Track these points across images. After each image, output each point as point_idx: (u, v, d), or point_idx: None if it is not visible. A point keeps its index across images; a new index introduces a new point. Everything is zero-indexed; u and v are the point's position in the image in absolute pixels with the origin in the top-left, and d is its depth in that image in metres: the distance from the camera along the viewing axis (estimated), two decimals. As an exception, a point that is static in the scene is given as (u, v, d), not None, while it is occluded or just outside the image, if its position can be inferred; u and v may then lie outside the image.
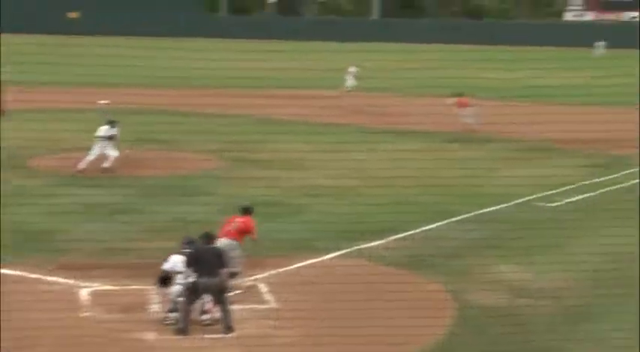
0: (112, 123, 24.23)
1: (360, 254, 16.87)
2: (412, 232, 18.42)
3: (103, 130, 24.08)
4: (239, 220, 14.71)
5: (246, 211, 14.89)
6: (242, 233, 14.57)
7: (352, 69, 45.28)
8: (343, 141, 24.42)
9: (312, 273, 15.49)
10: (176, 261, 13.28)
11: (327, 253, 16.79)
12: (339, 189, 22.10)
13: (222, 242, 14.01)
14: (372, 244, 17.55)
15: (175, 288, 13.12)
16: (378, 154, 25.17)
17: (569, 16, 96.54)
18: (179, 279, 13.11)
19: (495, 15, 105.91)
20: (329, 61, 44.32)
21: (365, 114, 35.94)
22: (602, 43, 74.26)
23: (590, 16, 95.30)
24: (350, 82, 44.99)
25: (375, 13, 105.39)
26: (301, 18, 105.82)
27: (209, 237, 13.35)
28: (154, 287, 13.69)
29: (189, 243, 13.48)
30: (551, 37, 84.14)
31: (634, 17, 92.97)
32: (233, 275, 13.85)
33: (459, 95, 32.00)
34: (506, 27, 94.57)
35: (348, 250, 17.06)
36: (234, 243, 14.36)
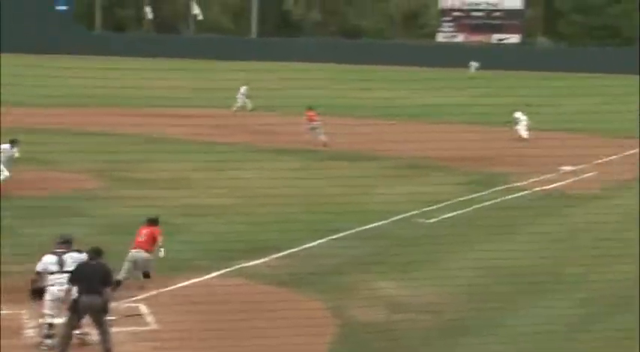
0: (12, 143, 23.54)
1: (241, 273, 16.72)
2: (293, 250, 18.38)
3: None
4: (146, 231, 15.74)
5: (153, 222, 15.92)
6: (152, 243, 15.65)
7: (243, 88, 45.36)
8: (228, 159, 24.23)
9: (194, 293, 15.24)
10: (47, 262, 12.73)
11: (209, 273, 16.56)
12: (221, 208, 21.89)
13: (134, 254, 15.44)
14: (254, 263, 17.42)
15: (47, 303, 12.56)
16: (261, 173, 25.11)
17: (440, 38, 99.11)
18: (50, 281, 12.57)
19: (372, 35, 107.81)
20: (211, 81, 44.04)
21: (250, 132, 35.84)
22: (475, 64, 76.49)
23: (460, 38, 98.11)
24: (241, 101, 45.11)
25: (254, 32, 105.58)
26: (180, 36, 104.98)
27: (96, 252, 12.76)
28: (27, 310, 13.14)
29: (65, 242, 12.97)
30: (426, 58, 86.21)
31: (501, 39, 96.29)
32: (147, 275, 15.38)
33: (309, 108, 32.97)
34: (383, 47, 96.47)
35: (230, 269, 16.88)
36: (146, 254, 15.55)
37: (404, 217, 22.14)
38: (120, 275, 15.00)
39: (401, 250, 18.62)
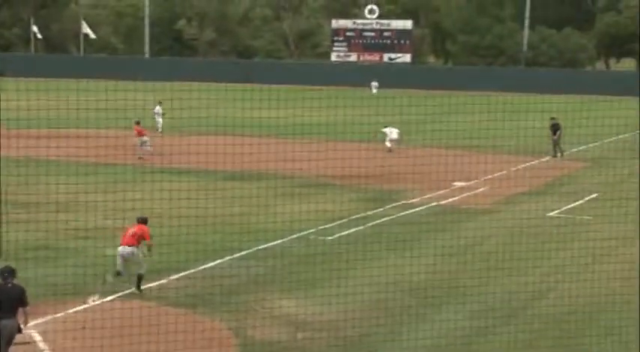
0: None
1: (139, 295, 16.41)
2: (192, 271, 18.17)
3: None
4: (134, 229, 17.19)
5: (142, 221, 17.50)
6: (139, 239, 17.08)
7: (157, 108, 44.94)
8: (120, 180, 23.80)
9: (89, 318, 14.86)
10: None
11: (105, 296, 16.19)
12: (114, 230, 21.47)
13: (124, 249, 16.88)
14: (152, 285, 17.13)
15: None
16: (155, 194, 24.75)
17: (334, 57, 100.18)
18: None
19: (266, 55, 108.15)
20: (103, 101, 43.13)
21: (148, 153, 35.36)
22: (375, 84, 77.20)
23: (353, 57, 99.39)
24: (159, 121, 44.81)
25: (147, 52, 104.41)
26: (70, 56, 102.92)
27: (10, 273, 12.24)
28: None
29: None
30: (320, 77, 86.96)
31: (392, 59, 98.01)
32: (140, 277, 16.88)
33: (137, 123, 33.92)
34: (276, 66, 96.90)
35: (127, 292, 16.54)
36: (134, 248, 16.91)
37: (302, 235, 22.22)
38: (118, 267, 16.88)
39: (300, 268, 18.67)
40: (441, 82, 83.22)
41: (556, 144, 37.86)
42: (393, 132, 39.29)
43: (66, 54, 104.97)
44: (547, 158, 37.22)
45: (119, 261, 16.91)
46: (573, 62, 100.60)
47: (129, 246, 16.92)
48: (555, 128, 37.84)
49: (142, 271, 16.87)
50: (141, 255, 16.93)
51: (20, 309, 12.25)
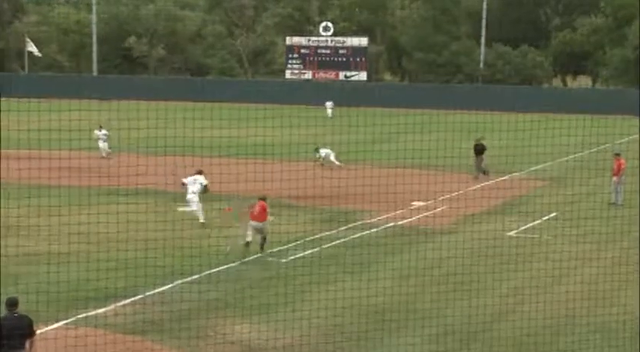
0: None
1: (87, 322, 16.18)
2: (142, 296, 17.99)
3: None
4: (258, 207, 22.76)
5: (263, 199, 23.12)
6: (264, 214, 22.77)
7: (98, 133, 44.58)
8: (66, 203, 23.51)
9: (34, 346, 14.58)
10: None
11: (50, 324, 15.94)
12: (62, 255, 21.18)
13: (257, 224, 22.66)
14: (100, 311, 16.90)
15: None
16: (103, 217, 24.47)
17: (289, 75, 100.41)
18: None
19: (219, 72, 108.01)
20: (49, 121, 42.73)
21: (93, 174, 34.99)
22: (330, 104, 76.49)
23: (308, 75, 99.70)
24: (103, 146, 44.41)
25: (95, 70, 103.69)
26: (12, 74, 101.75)
27: (14, 303, 12.03)
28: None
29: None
30: (275, 95, 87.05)
31: (348, 76, 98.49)
32: (265, 240, 22.86)
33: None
34: (229, 84, 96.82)
35: (74, 319, 16.31)
36: (262, 222, 22.76)
37: (257, 258, 22.13)
38: (248, 238, 22.44)
39: (255, 292, 18.58)
40: (398, 100, 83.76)
41: (479, 165, 38.27)
42: (330, 155, 40.27)
43: (10, 73, 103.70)
44: (506, 176, 37.64)
45: (250, 232, 22.51)
46: (530, 79, 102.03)
47: (260, 221, 22.80)
48: (479, 149, 38.29)
49: (266, 235, 22.91)
50: (268, 226, 23.08)
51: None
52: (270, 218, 23.26)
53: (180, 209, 27.39)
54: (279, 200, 28.60)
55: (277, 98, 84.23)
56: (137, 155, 34.47)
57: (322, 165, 40.87)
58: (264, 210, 23.02)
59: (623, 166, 32.02)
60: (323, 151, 40.78)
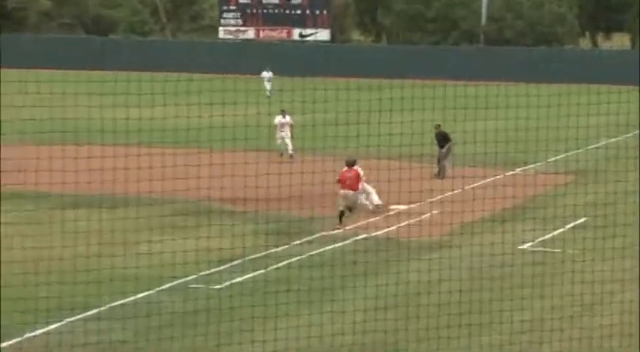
0: None
1: None
2: (19, 339, 17.85)
3: None
4: (350, 174, 28.83)
5: (352, 164, 29.05)
6: (357, 182, 28.86)
7: None
8: None
9: None
10: None
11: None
12: None
13: (347, 193, 28.57)
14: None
15: None
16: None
17: (222, 33, 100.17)
18: None
19: (127, 29, 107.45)
20: None
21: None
22: (268, 74, 75.68)
23: (250, 34, 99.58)
24: None
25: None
26: None
27: None
28: None
29: None
30: (202, 61, 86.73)
31: (304, 36, 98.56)
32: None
33: None
34: (141, 46, 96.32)
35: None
36: (355, 192, 28.64)
37: (179, 284, 21.97)
38: (340, 207, 28.62)
39: (176, 331, 18.47)
40: (371, 67, 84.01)
41: (441, 160, 39.10)
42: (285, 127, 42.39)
43: None
44: (518, 170, 37.76)
45: (341, 201, 28.63)
46: (549, 39, 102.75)
47: (354, 190, 28.62)
48: (442, 139, 39.18)
49: (355, 204, 28.82)
50: (360, 196, 29.01)
51: None
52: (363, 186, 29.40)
53: None
54: (209, 204, 28.41)
55: (207, 65, 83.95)
56: (11, 144, 34.07)
57: (282, 154, 41.34)
58: (357, 177, 28.89)
59: None
60: (287, 119, 42.79)
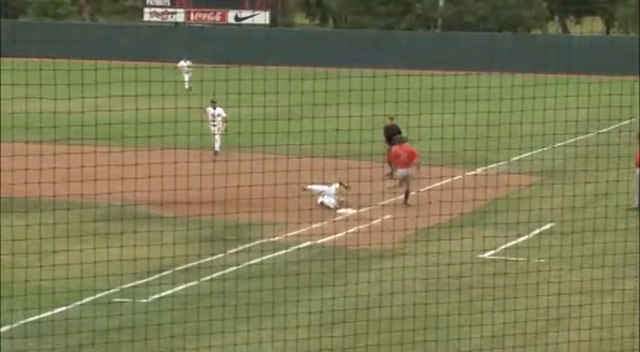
0: None
1: None
2: None
3: None
4: (402, 149, 34.31)
5: (402, 141, 34.83)
6: (412, 159, 34.09)
7: None
8: None
9: None
10: None
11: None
12: None
13: (402, 171, 34.05)
14: None
15: None
16: None
17: (148, 16, 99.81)
18: None
19: (38, 13, 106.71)
20: None
21: None
22: (186, 64, 73.65)
23: (180, 17, 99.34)
24: None
25: None
26: None
27: None
28: None
29: None
30: (125, 48, 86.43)
31: (240, 19, 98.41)
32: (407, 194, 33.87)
33: None
34: (55, 31, 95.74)
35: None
36: (408, 169, 33.61)
37: (100, 298, 22.02)
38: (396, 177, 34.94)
39: (100, 350, 18.45)
40: (316, 55, 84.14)
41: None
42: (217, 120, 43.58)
43: None
44: (479, 170, 38.12)
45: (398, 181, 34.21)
46: (514, 23, 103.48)
47: (407, 167, 33.74)
48: (392, 133, 39.23)
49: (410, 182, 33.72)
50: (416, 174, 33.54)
51: None
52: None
53: None
54: (132, 208, 28.45)
55: (129, 52, 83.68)
56: None
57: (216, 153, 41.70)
58: (412, 153, 33.94)
59: None
60: (219, 110, 43.54)
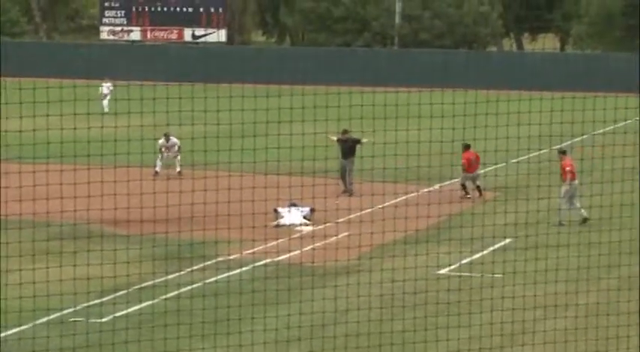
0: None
1: None
2: None
3: None
4: (472, 156, 38.14)
5: (467, 147, 37.60)
6: (478, 161, 38.17)
7: None
8: None
9: None
10: None
11: None
12: None
13: (473, 174, 39.03)
14: None
15: None
16: None
17: (105, 34, 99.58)
18: None
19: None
20: None
21: None
22: (106, 87, 68.90)
23: (136, 34, 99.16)
24: None
25: None
26: None
27: None
28: None
29: None
30: (86, 66, 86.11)
31: (197, 37, 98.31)
32: (480, 189, 39.07)
33: None
34: (10, 49, 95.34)
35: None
36: (476, 173, 38.99)
37: (55, 318, 21.88)
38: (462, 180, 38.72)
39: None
40: (273, 72, 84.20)
41: (346, 171, 39.38)
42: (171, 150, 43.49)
43: None
44: (433, 187, 38.24)
45: (465, 181, 39.12)
46: (470, 40, 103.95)
47: (476, 169, 38.68)
48: (348, 145, 39.42)
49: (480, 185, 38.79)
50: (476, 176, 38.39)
51: None
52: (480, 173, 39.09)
53: None
54: (86, 226, 28.33)
55: (86, 71, 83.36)
56: None
57: (157, 172, 41.48)
58: (478, 157, 37.83)
59: (567, 168, 34.82)
60: (173, 141, 43.25)
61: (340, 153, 39.31)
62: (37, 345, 20.19)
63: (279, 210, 33.59)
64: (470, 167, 38.55)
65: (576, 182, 34.62)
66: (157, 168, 42.62)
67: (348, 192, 38.65)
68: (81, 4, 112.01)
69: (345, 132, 38.97)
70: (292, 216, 33.81)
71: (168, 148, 43.56)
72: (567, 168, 34.98)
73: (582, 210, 33.78)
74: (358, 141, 38.81)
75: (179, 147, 43.29)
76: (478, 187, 38.91)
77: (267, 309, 22.55)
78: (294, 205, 33.48)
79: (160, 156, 43.17)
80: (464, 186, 39.26)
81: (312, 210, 33.60)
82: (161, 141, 43.10)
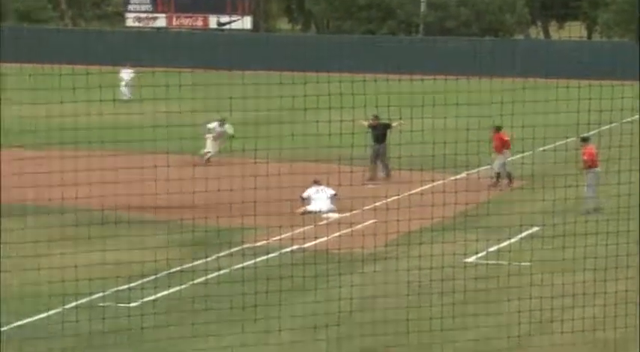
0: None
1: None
2: None
3: None
4: (497, 137, 37.84)
5: (498, 129, 36.66)
6: (501, 146, 38.17)
7: None
8: None
9: None
10: None
11: None
12: None
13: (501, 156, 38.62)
14: None
15: None
16: None
17: (131, 21, 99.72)
18: None
19: (19, 17, 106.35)
20: None
21: None
22: (128, 73, 69.50)
23: (162, 22, 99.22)
24: None
25: None
26: None
27: None
28: None
29: None
30: (112, 52, 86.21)
31: (223, 24, 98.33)
32: (510, 176, 39.21)
33: None
34: (36, 36, 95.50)
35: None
36: (500, 155, 38.47)
37: (86, 302, 21.95)
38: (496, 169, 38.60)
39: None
40: (299, 59, 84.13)
41: (379, 157, 39.35)
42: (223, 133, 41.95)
43: None
44: (460, 174, 38.20)
45: (496, 164, 38.83)
46: (496, 28, 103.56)
47: (496, 153, 38.50)
48: (379, 134, 39.35)
49: (503, 170, 38.82)
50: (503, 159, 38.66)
51: None
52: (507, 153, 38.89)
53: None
54: (116, 213, 28.41)
55: (112, 57, 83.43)
56: None
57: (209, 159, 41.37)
58: (501, 141, 37.99)
59: (585, 157, 34.98)
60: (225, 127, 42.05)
61: (372, 139, 39.39)
62: (66, 330, 20.29)
63: (306, 192, 33.65)
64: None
65: (598, 169, 34.61)
66: (211, 151, 42.34)
67: (386, 175, 38.72)
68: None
69: (375, 117, 38.99)
70: (319, 202, 33.75)
71: (219, 134, 42.70)
72: (585, 157, 35.12)
73: (598, 199, 33.76)
74: (389, 126, 38.81)
75: (231, 136, 41.95)
76: (509, 174, 38.78)
77: (294, 296, 22.58)
78: (318, 183, 33.43)
79: (210, 139, 42.26)
80: (499, 175, 39.03)
81: (335, 195, 33.67)
82: (213, 124, 42.04)
